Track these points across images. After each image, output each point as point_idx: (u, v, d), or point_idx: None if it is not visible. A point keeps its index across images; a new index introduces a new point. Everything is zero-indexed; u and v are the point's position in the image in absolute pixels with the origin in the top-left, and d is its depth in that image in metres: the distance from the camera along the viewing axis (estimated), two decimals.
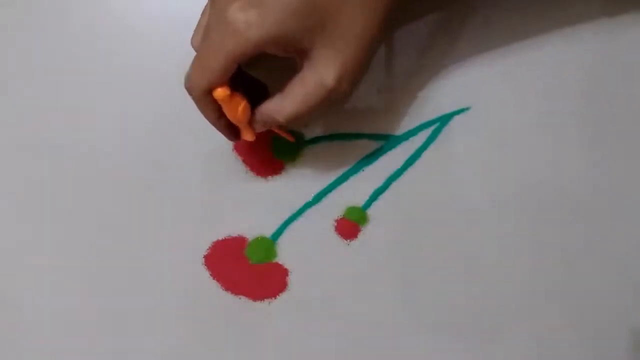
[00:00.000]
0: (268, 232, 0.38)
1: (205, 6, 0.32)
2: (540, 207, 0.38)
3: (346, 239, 0.38)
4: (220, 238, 0.38)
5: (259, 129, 0.32)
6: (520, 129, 0.38)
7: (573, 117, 0.38)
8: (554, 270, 0.38)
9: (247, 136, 0.33)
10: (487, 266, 0.38)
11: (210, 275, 0.38)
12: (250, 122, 0.32)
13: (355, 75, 0.30)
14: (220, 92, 0.29)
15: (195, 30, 0.32)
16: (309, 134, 0.38)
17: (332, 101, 0.30)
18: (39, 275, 0.38)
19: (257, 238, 0.38)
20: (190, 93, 0.30)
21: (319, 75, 0.29)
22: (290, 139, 0.37)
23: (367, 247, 0.38)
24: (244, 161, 0.38)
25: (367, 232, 0.38)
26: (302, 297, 0.38)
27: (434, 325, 0.38)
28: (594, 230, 0.38)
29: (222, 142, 0.38)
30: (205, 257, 0.38)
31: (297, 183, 0.38)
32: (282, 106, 0.30)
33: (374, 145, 0.38)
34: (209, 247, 0.38)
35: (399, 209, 0.38)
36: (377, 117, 0.38)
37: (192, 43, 0.32)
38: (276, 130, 0.34)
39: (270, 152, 0.38)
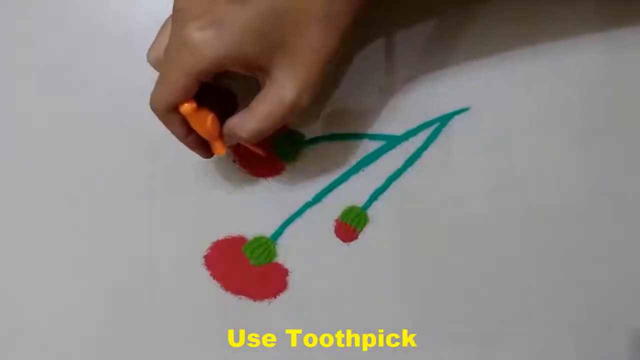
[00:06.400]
0: (268, 232, 0.38)
1: (165, 22, 0.31)
2: (540, 207, 0.38)
3: (345, 242, 0.38)
4: (220, 238, 0.38)
5: (229, 142, 0.32)
6: (520, 129, 0.38)
7: (573, 117, 0.38)
8: (554, 271, 0.38)
9: (218, 150, 0.32)
10: (486, 266, 0.38)
11: (210, 275, 0.38)
12: (221, 135, 0.32)
13: (314, 90, 0.30)
14: (186, 107, 0.29)
15: (152, 45, 0.32)
16: (309, 134, 0.38)
17: (292, 116, 0.30)
18: (39, 275, 0.38)
19: (257, 238, 0.38)
20: (153, 111, 0.30)
21: (279, 92, 0.29)
22: (261, 153, 0.36)
23: (367, 247, 0.38)
24: (243, 161, 0.38)
25: (367, 232, 0.38)
26: (302, 297, 0.38)
27: (434, 325, 0.38)
28: (594, 230, 0.38)
29: None
30: (205, 257, 0.38)
31: (297, 183, 0.38)
32: (245, 123, 0.30)
33: (374, 145, 0.38)
34: (209, 247, 0.38)
35: (399, 209, 0.38)
36: (377, 117, 0.38)
37: (147, 57, 0.32)
38: (246, 144, 0.34)
39: (270, 152, 0.38)
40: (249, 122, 0.30)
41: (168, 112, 0.30)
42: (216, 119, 0.31)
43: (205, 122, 0.30)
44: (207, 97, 0.30)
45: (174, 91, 0.29)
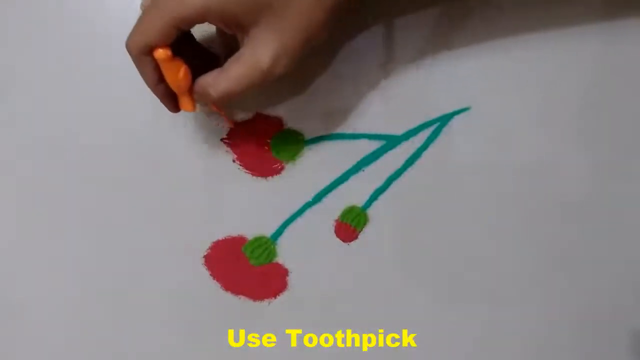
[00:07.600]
0: (268, 232, 0.38)
1: None
2: (540, 207, 0.38)
3: (345, 242, 0.38)
4: (220, 238, 0.38)
5: (199, 100, 0.32)
6: (520, 129, 0.38)
7: (572, 117, 0.38)
8: (553, 271, 0.38)
9: (186, 106, 0.32)
10: (487, 266, 0.38)
11: (210, 275, 0.38)
12: (191, 91, 0.31)
13: (291, 60, 0.29)
14: (160, 53, 0.29)
15: None
16: (309, 134, 0.38)
17: (265, 82, 0.30)
18: (40, 275, 0.38)
19: (257, 238, 0.38)
20: (128, 51, 0.30)
21: (256, 55, 0.29)
22: (227, 120, 0.35)
23: (367, 247, 0.38)
24: (243, 161, 0.38)
25: (367, 232, 0.38)
26: (302, 297, 0.38)
27: (434, 325, 0.38)
28: (594, 230, 0.38)
29: (222, 142, 0.38)
30: (205, 257, 0.38)
31: (297, 183, 0.38)
32: (217, 82, 0.30)
33: (374, 145, 0.38)
34: (209, 247, 0.38)
35: (399, 208, 0.38)
36: (377, 117, 0.38)
37: (140, 5, 0.31)
38: (213, 107, 0.33)
39: (270, 152, 0.38)
40: (220, 81, 0.30)
41: (142, 54, 0.29)
42: (189, 73, 0.30)
43: (178, 74, 0.30)
44: (190, 54, 0.30)
45: (151, 33, 0.28)
